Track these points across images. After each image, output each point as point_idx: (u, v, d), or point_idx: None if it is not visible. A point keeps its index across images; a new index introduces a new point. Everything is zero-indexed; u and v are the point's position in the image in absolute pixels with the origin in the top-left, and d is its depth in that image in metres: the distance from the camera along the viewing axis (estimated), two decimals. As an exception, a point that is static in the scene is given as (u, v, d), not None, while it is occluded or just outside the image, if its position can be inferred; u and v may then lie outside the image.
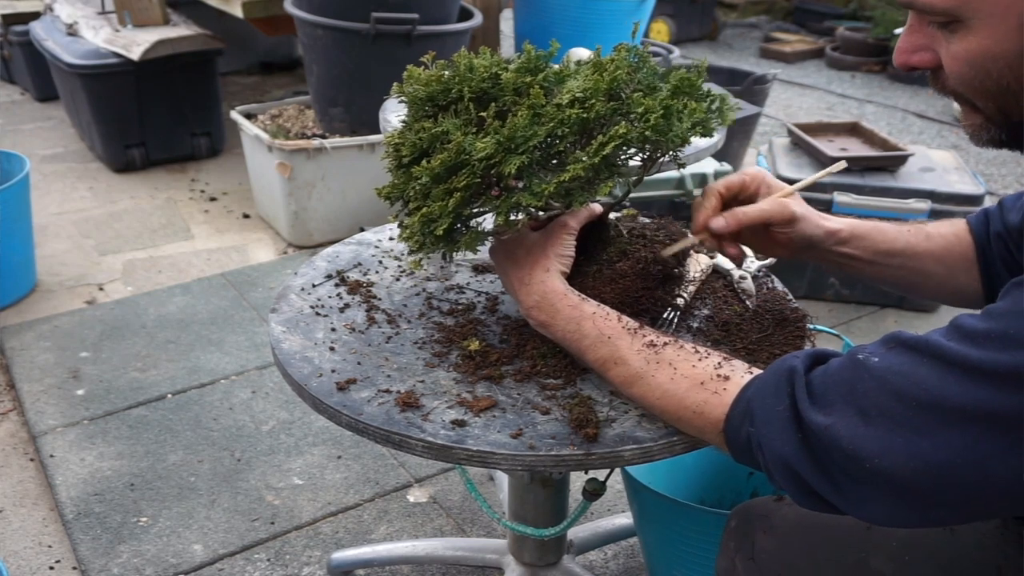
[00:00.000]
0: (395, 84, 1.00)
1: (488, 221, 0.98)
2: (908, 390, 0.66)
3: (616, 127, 0.88)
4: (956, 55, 0.74)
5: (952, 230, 1.03)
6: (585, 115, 0.89)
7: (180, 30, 3.36)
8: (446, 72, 0.97)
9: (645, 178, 1.04)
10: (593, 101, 0.89)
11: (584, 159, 0.88)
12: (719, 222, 0.96)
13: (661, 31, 5.68)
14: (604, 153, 0.88)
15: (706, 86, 0.98)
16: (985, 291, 1.01)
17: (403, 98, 0.99)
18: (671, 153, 0.96)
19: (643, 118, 0.90)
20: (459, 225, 0.97)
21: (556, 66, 0.99)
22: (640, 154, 0.97)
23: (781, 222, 0.98)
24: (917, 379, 0.66)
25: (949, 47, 0.75)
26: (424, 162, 0.92)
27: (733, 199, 1.00)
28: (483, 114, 0.92)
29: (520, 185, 0.90)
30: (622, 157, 0.94)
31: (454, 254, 1.00)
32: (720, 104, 0.96)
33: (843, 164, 1.05)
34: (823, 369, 0.74)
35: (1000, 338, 0.64)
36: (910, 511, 0.68)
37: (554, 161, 0.92)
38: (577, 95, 0.90)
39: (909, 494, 0.67)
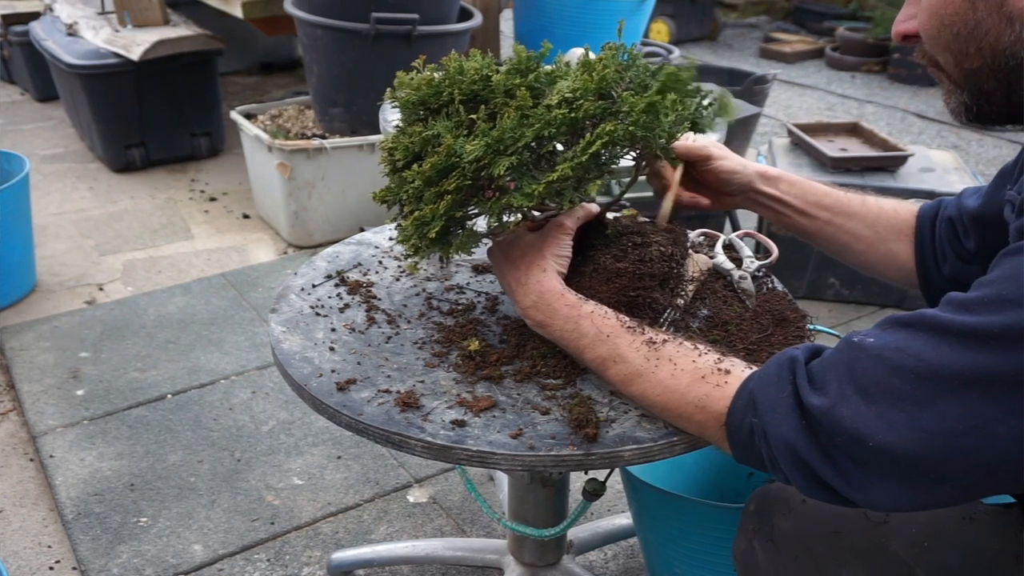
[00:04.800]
0: (388, 90, 1.01)
1: (482, 223, 0.98)
2: (905, 364, 0.67)
3: (603, 125, 0.89)
4: (924, 9, 0.79)
5: (894, 204, 1.09)
6: (573, 115, 0.89)
7: (180, 30, 3.36)
8: (436, 75, 0.97)
9: (644, 178, 1.04)
10: (582, 101, 0.89)
11: (572, 158, 0.88)
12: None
13: (661, 31, 5.68)
14: (591, 151, 0.88)
15: (708, 87, 0.98)
16: (918, 266, 1.05)
17: (395, 103, 1.00)
18: (661, 150, 0.96)
19: (628, 115, 0.90)
20: (453, 227, 0.97)
21: (548, 67, 0.99)
22: (632, 152, 0.97)
23: (698, 158, 1.09)
24: (913, 352, 0.67)
25: (921, 4, 0.80)
26: (416, 166, 0.92)
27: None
28: (474, 116, 0.92)
29: (513, 187, 0.91)
30: (612, 155, 0.94)
31: (450, 256, 1.00)
32: (714, 100, 0.97)
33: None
34: (821, 358, 0.75)
35: (993, 301, 0.64)
36: (914, 490, 0.68)
37: (544, 163, 0.93)
38: (566, 96, 0.90)
39: (913, 471, 0.67)
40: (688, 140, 1.10)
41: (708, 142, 1.10)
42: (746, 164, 1.10)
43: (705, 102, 0.97)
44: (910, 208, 1.07)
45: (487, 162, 0.89)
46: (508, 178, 0.90)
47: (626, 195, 1.09)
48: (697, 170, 1.11)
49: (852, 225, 1.07)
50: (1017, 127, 0.81)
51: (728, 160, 1.09)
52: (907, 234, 1.06)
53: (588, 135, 0.89)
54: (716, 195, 1.13)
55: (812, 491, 0.73)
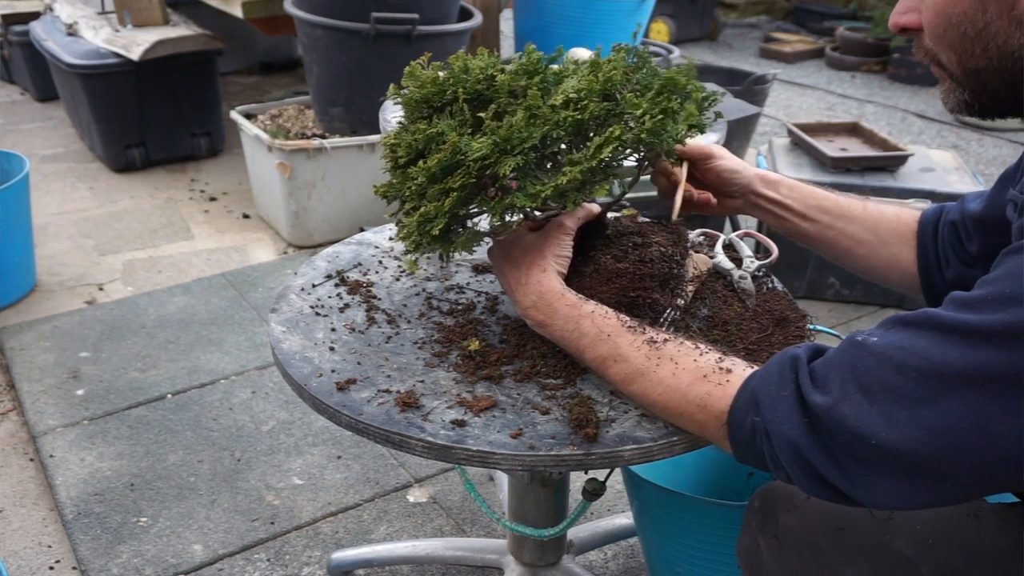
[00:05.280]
0: (392, 86, 1.01)
1: (484, 221, 0.98)
2: (908, 362, 0.67)
3: (611, 129, 0.89)
4: (929, 6, 0.79)
5: (895, 209, 1.09)
6: (580, 116, 0.89)
7: (180, 30, 3.36)
8: (441, 73, 0.97)
9: (646, 178, 1.04)
10: (587, 102, 0.89)
11: (582, 163, 0.88)
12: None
13: (661, 31, 5.68)
14: (601, 156, 0.88)
15: (709, 87, 0.98)
16: (920, 271, 1.05)
17: (399, 100, 1.00)
18: (666, 153, 0.96)
19: (639, 120, 0.90)
20: (455, 225, 0.97)
21: (555, 67, 0.99)
22: (635, 154, 0.97)
23: (699, 157, 1.09)
24: (917, 350, 0.67)
25: (925, 1, 0.79)
26: (421, 162, 0.92)
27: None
28: (481, 115, 0.92)
29: (516, 186, 0.91)
30: (618, 159, 0.94)
31: (451, 254, 1.00)
32: (711, 100, 0.97)
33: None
34: (824, 357, 0.75)
35: (996, 299, 0.64)
36: (916, 488, 0.68)
37: (549, 163, 0.93)
38: (571, 96, 0.90)
39: (915, 469, 0.67)
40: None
41: (709, 142, 1.10)
42: (746, 166, 1.10)
43: (708, 104, 0.97)
44: (912, 213, 1.07)
45: (493, 161, 0.89)
46: (512, 177, 0.90)
47: (627, 195, 1.09)
48: (698, 169, 1.11)
49: (853, 229, 1.07)
50: (1019, 121, 0.81)
51: (729, 160, 1.10)
52: (909, 239, 1.06)
53: (596, 138, 0.89)
54: (716, 197, 1.13)
55: (814, 489, 0.73)
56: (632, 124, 0.91)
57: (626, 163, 0.98)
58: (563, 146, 0.92)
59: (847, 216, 1.07)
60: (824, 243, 1.10)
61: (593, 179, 0.92)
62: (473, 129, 0.92)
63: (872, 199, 1.11)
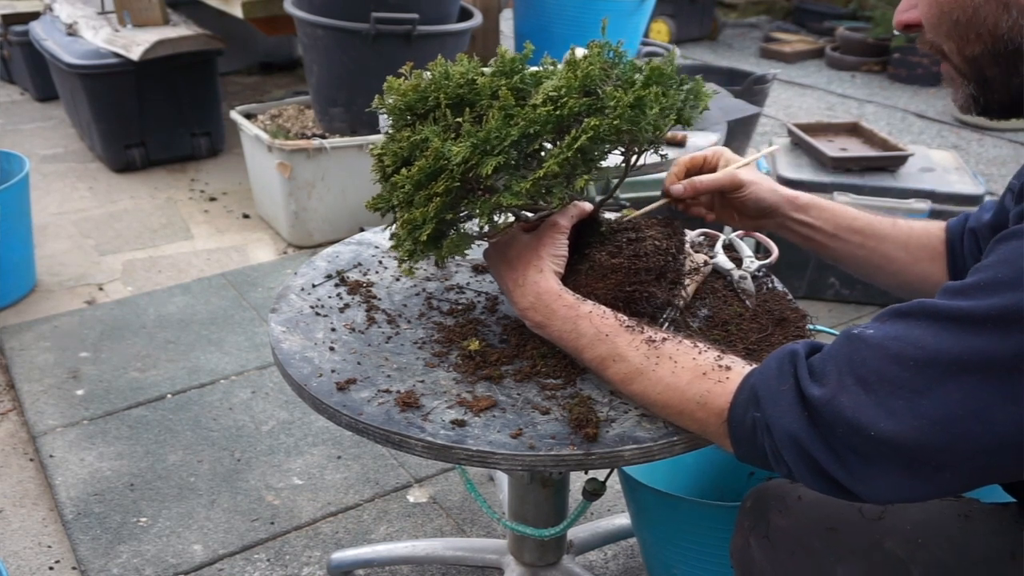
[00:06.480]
0: (376, 97, 1.01)
1: (473, 224, 0.98)
2: (905, 352, 0.67)
3: (588, 120, 0.89)
4: (924, 0, 0.80)
5: (923, 224, 1.09)
6: (558, 113, 0.89)
7: (180, 30, 3.36)
8: (426, 75, 0.98)
9: (644, 178, 1.04)
10: (566, 99, 0.90)
11: (558, 154, 0.89)
12: (677, 188, 1.10)
13: (661, 31, 5.69)
14: (576, 146, 0.88)
15: (710, 86, 0.98)
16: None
17: (383, 109, 1.00)
18: (649, 145, 0.96)
19: (614, 110, 0.90)
20: (445, 230, 0.97)
21: (533, 68, 0.99)
22: (619, 147, 0.97)
23: (732, 188, 1.10)
24: (912, 340, 0.67)
25: None
26: (405, 170, 0.93)
27: (697, 172, 1.13)
28: (459, 119, 0.92)
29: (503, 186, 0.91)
30: (598, 152, 0.95)
31: (444, 259, 1.01)
32: (695, 90, 0.97)
33: (778, 147, 1.16)
34: (822, 351, 0.75)
35: (988, 284, 0.65)
36: (916, 479, 0.68)
37: (535, 162, 0.93)
38: (551, 94, 0.90)
39: (914, 460, 0.67)
40: (715, 160, 1.12)
41: (742, 170, 1.10)
42: (776, 189, 1.10)
43: (689, 93, 0.97)
44: (939, 224, 1.08)
45: (475, 163, 0.89)
46: (500, 179, 0.90)
47: (629, 197, 1.09)
48: (728, 196, 1.11)
49: (885, 248, 1.07)
50: (1020, 119, 0.82)
51: (760, 186, 1.10)
52: (940, 252, 1.06)
53: (574, 131, 0.90)
54: (741, 216, 1.14)
55: (815, 483, 0.73)
56: (609, 115, 0.92)
57: (613, 159, 0.98)
58: (548, 144, 0.92)
59: (879, 235, 1.08)
60: (854, 262, 1.10)
61: (574, 172, 0.93)
62: (456, 134, 0.93)
63: (901, 217, 1.11)
